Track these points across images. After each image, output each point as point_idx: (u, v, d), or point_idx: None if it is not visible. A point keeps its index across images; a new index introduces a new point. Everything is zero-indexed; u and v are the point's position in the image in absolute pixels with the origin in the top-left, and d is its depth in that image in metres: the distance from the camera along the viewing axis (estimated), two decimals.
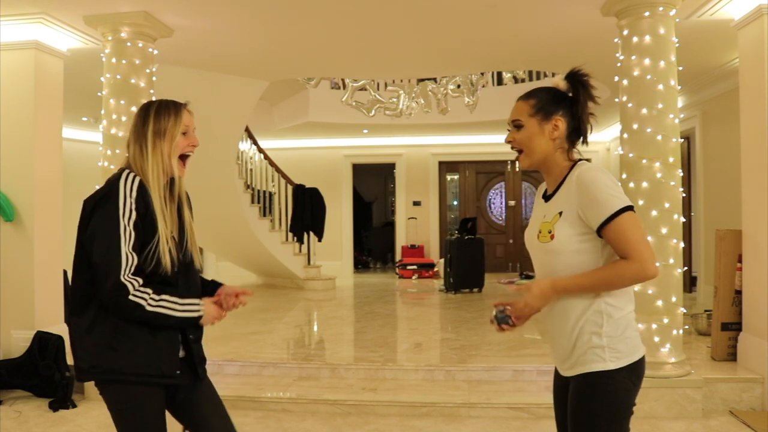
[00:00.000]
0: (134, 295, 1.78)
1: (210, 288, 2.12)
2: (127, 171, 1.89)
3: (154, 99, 2.13)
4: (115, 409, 1.89)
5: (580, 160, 1.84)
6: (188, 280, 1.99)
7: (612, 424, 1.72)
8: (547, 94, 1.84)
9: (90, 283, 1.83)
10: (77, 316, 1.87)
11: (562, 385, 1.88)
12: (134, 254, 1.81)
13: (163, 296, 1.83)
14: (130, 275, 1.79)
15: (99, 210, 1.82)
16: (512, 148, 1.88)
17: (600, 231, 1.70)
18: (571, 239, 1.74)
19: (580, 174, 1.75)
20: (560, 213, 1.76)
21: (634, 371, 1.74)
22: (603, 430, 1.72)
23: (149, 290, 1.81)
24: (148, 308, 1.80)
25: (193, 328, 1.95)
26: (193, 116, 2.10)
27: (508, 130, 1.88)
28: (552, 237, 1.76)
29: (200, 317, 1.91)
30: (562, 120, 1.81)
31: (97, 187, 1.97)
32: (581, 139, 1.86)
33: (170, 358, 1.90)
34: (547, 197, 1.87)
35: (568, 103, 1.83)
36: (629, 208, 1.69)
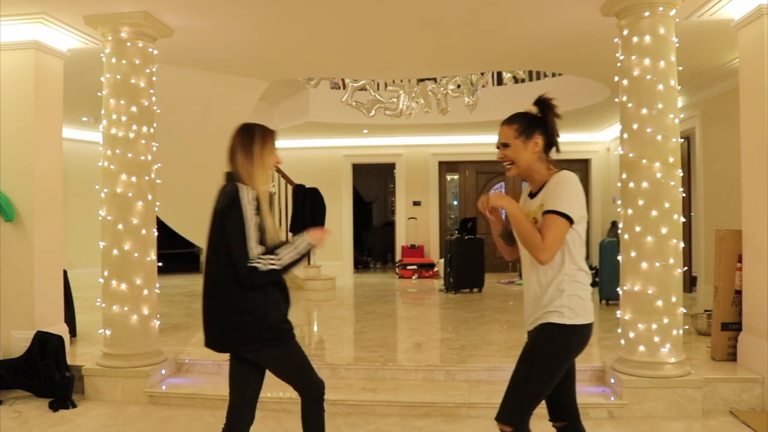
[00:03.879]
0: (264, 266, 2.37)
1: None
2: (242, 185, 2.44)
3: (253, 124, 2.73)
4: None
5: (563, 170, 2.35)
6: None
7: (547, 366, 2.27)
8: (525, 118, 2.37)
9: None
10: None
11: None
12: (257, 246, 2.38)
13: (279, 252, 2.41)
14: (260, 256, 2.37)
15: (229, 217, 2.43)
16: (503, 162, 2.42)
17: (544, 213, 2.25)
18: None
19: (561, 176, 2.30)
20: (542, 204, 2.29)
21: (585, 332, 2.29)
22: (538, 368, 2.27)
23: (268, 255, 2.38)
24: (278, 266, 2.40)
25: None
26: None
27: (498, 149, 2.41)
28: (536, 221, 2.28)
29: (311, 244, 2.49)
30: (540, 138, 2.35)
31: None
32: (554, 149, 2.39)
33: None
34: (532, 195, 2.40)
35: (542, 123, 2.35)
36: (565, 216, 2.21)
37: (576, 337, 2.27)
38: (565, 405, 2.43)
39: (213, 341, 2.75)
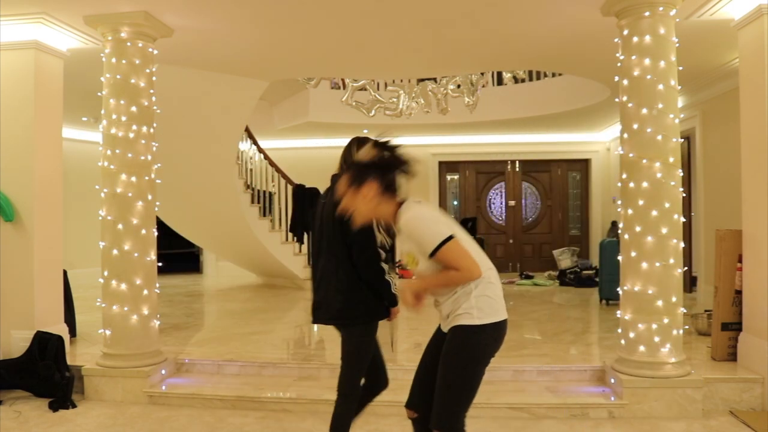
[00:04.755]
0: (389, 276, 2.86)
1: None
2: None
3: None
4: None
5: (402, 202, 2.37)
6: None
7: (466, 368, 2.32)
8: (355, 168, 2.39)
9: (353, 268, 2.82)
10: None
11: (440, 337, 2.45)
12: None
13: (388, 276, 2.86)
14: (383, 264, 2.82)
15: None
16: (346, 213, 2.42)
17: (431, 257, 2.26)
18: (428, 262, 2.32)
19: (405, 223, 2.30)
20: (408, 248, 2.36)
21: (497, 330, 2.35)
22: (458, 372, 2.32)
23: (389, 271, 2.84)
24: (388, 283, 2.84)
25: None
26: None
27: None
28: (416, 263, 2.41)
29: (395, 296, 2.83)
30: (373, 183, 2.34)
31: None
32: (396, 190, 2.40)
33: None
34: (386, 234, 2.63)
35: (376, 167, 2.36)
36: (446, 240, 2.23)
37: (487, 336, 2.32)
38: (424, 395, 2.47)
39: None
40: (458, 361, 2.31)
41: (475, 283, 2.30)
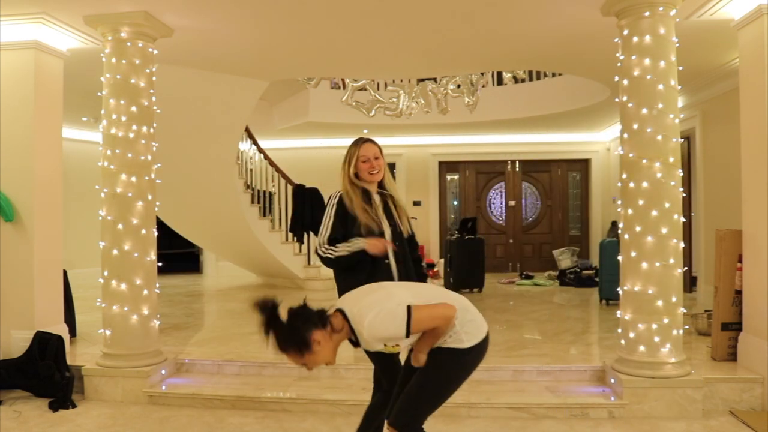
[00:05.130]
0: (322, 253, 2.94)
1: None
2: (338, 191, 3.03)
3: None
4: None
5: (339, 316, 2.27)
6: (402, 245, 3.03)
7: (452, 380, 2.40)
8: (291, 337, 2.16)
9: None
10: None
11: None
12: (328, 231, 2.94)
13: (338, 246, 2.90)
14: (324, 245, 2.93)
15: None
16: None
17: (408, 336, 2.24)
18: (408, 340, 2.33)
19: (367, 333, 2.20)
20: (384, 345, 2.29)
21: (484, 345, 2.44)
22: (445, 380, 2.39)
23: (331, 246, 2.91)
24: (332, 256, 2.90)
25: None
26: (375, 146, 3.06)
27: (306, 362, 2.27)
28: (398, 347, 2.37)
29: (363, 248, 2.85)
30: (315, 333, 2.18)
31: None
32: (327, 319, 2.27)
33: None
34: (355, 344, 2.36)
35: (307, 322, 2.18)
36: (408, 311, 2.20)
37: (475, 353, 2.40)
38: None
39: None
40: (442, 374, 2.38)
41: (460, 316, 2.35)
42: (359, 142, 3.06)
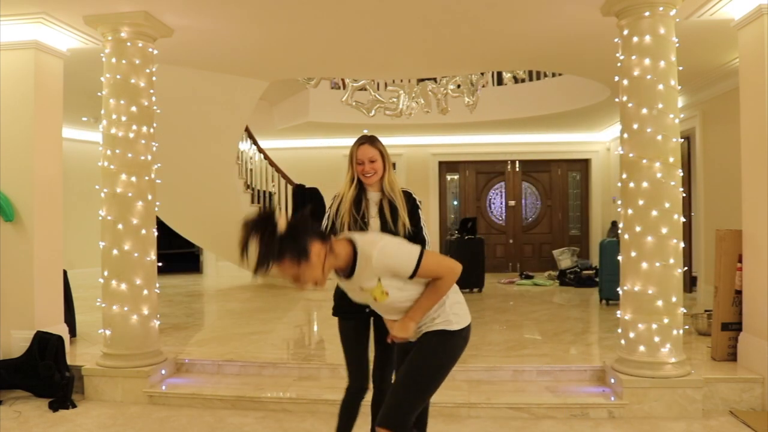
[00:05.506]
0: None
1: None
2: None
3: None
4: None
5: (354, 247, 2.23)
6: None
7: (438, 371, 2.36)
8: (291, 243, 2.09)
9: None
10: None
11: (406, 348, 2.49)
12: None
13: None
14: None
15: None
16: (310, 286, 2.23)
17: (412, 277, 2.24)
18: (399, 288, 2.27)
19: (377, 256, 2.19)
20: (379, 279, 2.23)
21: (468, 331, 2.45)
22: (435, 368, 2.35)
23: None
24: None
25: None
26: (373, 149, 3.02)
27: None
28: (387, 294, 2.26)
29: None
30: (315, 247, 2.14)
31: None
32: (332, 235, 2.26)
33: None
34: (348, 276, 2.28)
35: (309, 231, 2.15)
36: (420, 254, 2.23)
37: (462, 339, 2.41)
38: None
39: None
40: (434, 362, 2.35)
41: (448, 294, 2.36)
42: (358, 143, 3.04)
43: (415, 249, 2.25)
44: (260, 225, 2.09)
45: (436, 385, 2.37)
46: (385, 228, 2.93)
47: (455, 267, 2.29)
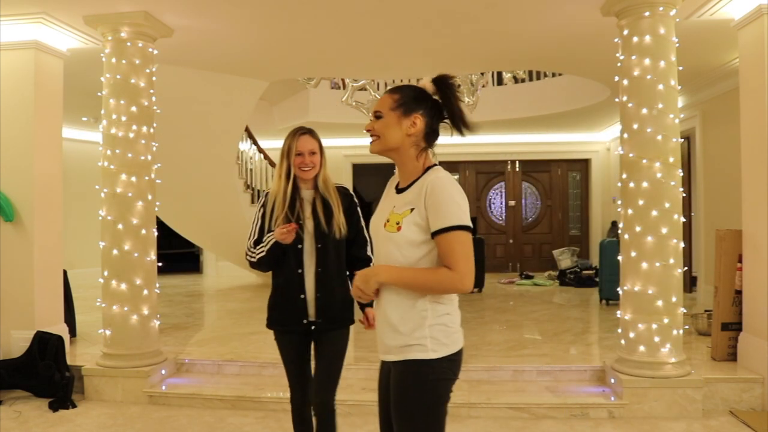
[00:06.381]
0: (247, 257, 2.73)
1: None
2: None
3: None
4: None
5: (435, 165, 1.93)
6: (325, 245, 2.70)
7: (428, 412, 1.82)
8: (411, 92, 1.93)
9: None
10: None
11: (387, 371, 1.96)
12: (254, 235, 2.74)
13: (256, 248, 2.69)
14: (249, 250, 2.72)
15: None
16: (370, 134, 1.98)
17: (434, 236, 1.80)
18: (415, 235, 1.83)
19: (436, 179, 1.83)
20: (412, 209, 1.84)
21: (455, 361, 1.86)
22: (420, 419, 1.82)
23: (252, 249, 2.71)
24: (254, 259, 2.69)
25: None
26: (314, 140, 2.81)
27: (371, 119, 1.99)
28: (399, 228, 1.84)
29: (274, 240, 2.60)
30: (421, 118, 1.91)
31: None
32: (436, 139, 1.97)
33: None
34: (399, 190, 1.95)
35: (431, 104, 1.93)
36: (465, 227, 1.79)
37: (446, 369, 1.83)
38: None
39: None
40: (419, 405, 1.82)
41: (430, 305, 1.83)
42: (298, 133, 2.77)
43: (466, 221, 1.79)
44: (438, 80, 1.95)
45: (434, 426, 1.83)
46: (318, 230, 2.67)
47: (466, 279, 1.77)
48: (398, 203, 1.89)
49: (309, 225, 2.69)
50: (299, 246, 2.67)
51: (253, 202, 8.53)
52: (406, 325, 1.83)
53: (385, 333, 1.89)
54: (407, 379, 1.84)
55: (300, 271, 2.68)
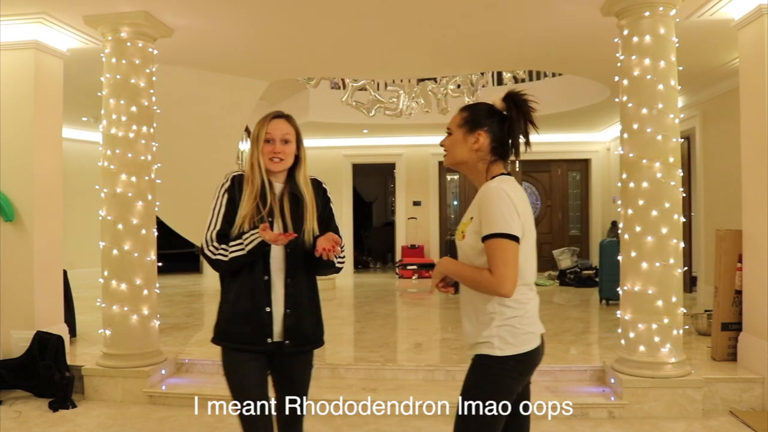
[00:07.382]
0: (212, 255, 2.32)
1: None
2: (233, 171, 2.40)
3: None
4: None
5: (498, 175, 2.02)
6: (294, 250, 2.28)
7: (485, 397, 1.93)
8: (478, 109, 2.08)
9: None
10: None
11: None
12: (218, 225, 2.36)
13: (230, 245, 2.26)
14: (212, 243, 2.36)
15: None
16: (444, 149, 2.14)
17: (484, 240, 1.92)
18: (475, 242, 1.96)
19: (486, 189, 1.95)
20: (471, 218, 1.99)
21: (526, 360, 1.97)
22: (478, 408, 1.93)
23: (223, 245, 2.29)
24: (226, 258, 2.27)
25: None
26: (288, 125, 2.38)
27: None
28: (463, 237, 2.01)
29: (260, 240, 2.19)
30: (485, 135, 2.02)
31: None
32: (512, 152, 2.06)
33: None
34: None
35: (498, 120, 2.04)
36: (507, 236, 1.88)
37: (511, 367, 1.94)
38: None
39: None
40: (481, 395, 1.93)
41: (498, 306, 1.94)
42: (270, 117, 2.32)
43: (510, 230, 1.87)
44: (509, 98, 2.09)
45: (488, 420, 1.93)
46: (286, 231, 2.26)
47: (504, 284, 1.85)
48: (467, 214, 2.04)
49: (278, 225, 2.28)
50: (266, 248, 2.23)
51: None
52: (478, 325, 1.99)
53: (464, 332, 2.06)
54: (475, 370, 1.99)
55: (266, 278, 2.25)
